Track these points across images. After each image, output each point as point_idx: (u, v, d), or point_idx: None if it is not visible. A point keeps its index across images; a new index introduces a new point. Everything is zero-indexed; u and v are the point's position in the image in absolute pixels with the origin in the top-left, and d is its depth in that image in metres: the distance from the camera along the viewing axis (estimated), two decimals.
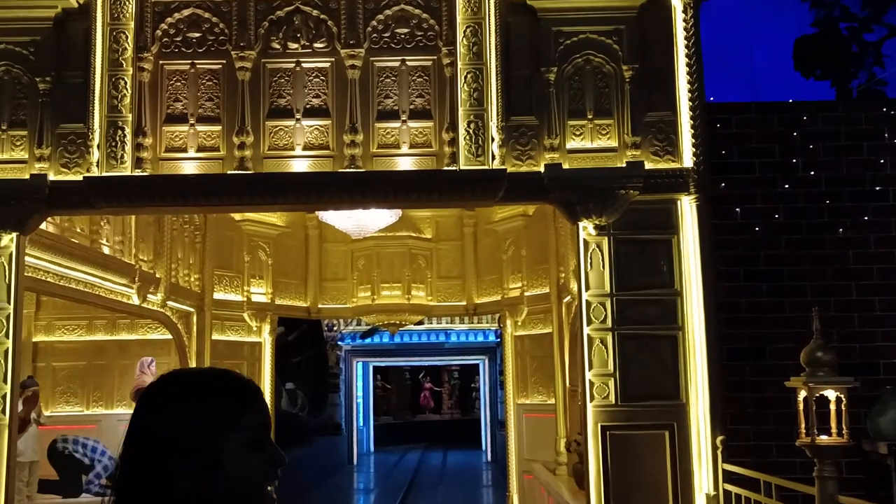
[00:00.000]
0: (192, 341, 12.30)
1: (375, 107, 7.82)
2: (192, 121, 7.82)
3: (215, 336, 12.64)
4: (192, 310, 12.25)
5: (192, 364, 12.15)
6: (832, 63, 10.02)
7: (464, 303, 13.98)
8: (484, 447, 29.80)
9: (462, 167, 7.61)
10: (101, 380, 13.43)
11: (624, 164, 7.59)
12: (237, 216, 12.89)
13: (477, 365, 31.60)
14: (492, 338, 26.40)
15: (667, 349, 7.49)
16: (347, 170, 7.67)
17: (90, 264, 9.31)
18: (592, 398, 7.46)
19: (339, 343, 27.73)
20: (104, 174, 7.58)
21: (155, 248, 10.98)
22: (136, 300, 10.37)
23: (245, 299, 13.14)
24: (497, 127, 7.62)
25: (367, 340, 26.70)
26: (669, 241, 7.61)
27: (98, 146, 7.63)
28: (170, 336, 12.16)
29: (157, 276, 10.90)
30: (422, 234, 13.91)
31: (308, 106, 7.83)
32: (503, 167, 7.59)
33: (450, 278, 13.97)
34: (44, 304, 13.17)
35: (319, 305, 13.99)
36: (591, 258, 7.58)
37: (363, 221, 11.37)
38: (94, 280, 9.54)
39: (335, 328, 26.69)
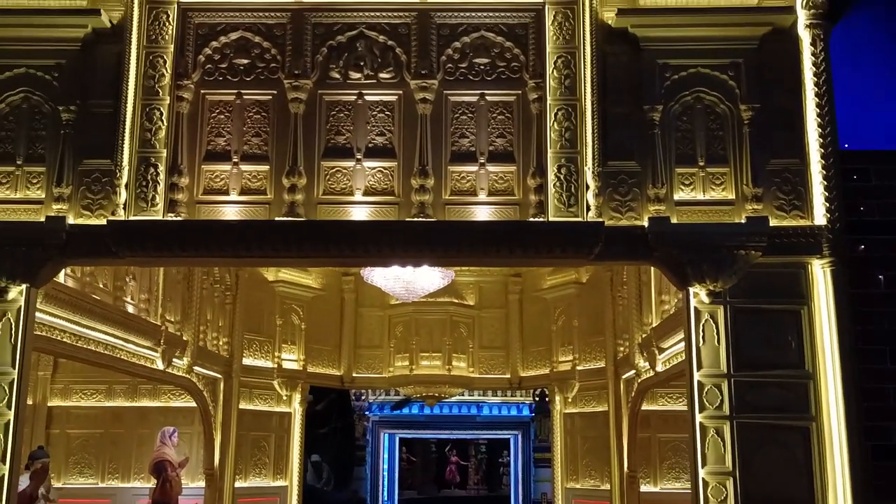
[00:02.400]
0: (217, 410, 11.55)
1: (449, 147, 7.04)
2: (235, 159, 7.03)
3: (242, 405, 11.92)
4: (219, 376, 11.48)
5: (217, 435, 11.30)
6: None
7: (507, 375, 13.22)
8: None
9: (551, 218, 6.76)
10: (118, 450, 12.47)
11: (743, 220, 6.73)
12: (270, 276, 12.30)
13: (508, 439, 30.39)
14: (526, 412, 25.41)
15: (797, 443, 6.50)
16: (416, 219, 6.83)
17: (112, 324, 8.41)
18: (707, 501, 6.38)
19: (367, 413, 26.66)
20: (132, 218, 6.76)
21: (183, 307, 10.18)
22: (160, 365, 9.52)
23: (276, 366, 12.45)
24: (593, 173, 6.80)
25: (398, 412, 25.62)
26: (798, 312, 6.70)
27: (126, 186, 6.84)
28: (194, 404, 11.32)
29: (185, 338, 10.07)
30: (464, 300, 13.21)
31: (371, 145, 7.06)
32: (600, 219, 6.73)
33: (493, 348, 13.25)
34: (61, 365, 12.26)
35: (354, 374, 13.26)
36: (703, 330, 6.65)
37: (414, 283, 10.54)
38: (116, 342, 8.64)
39: (363, 398, 25.68)
